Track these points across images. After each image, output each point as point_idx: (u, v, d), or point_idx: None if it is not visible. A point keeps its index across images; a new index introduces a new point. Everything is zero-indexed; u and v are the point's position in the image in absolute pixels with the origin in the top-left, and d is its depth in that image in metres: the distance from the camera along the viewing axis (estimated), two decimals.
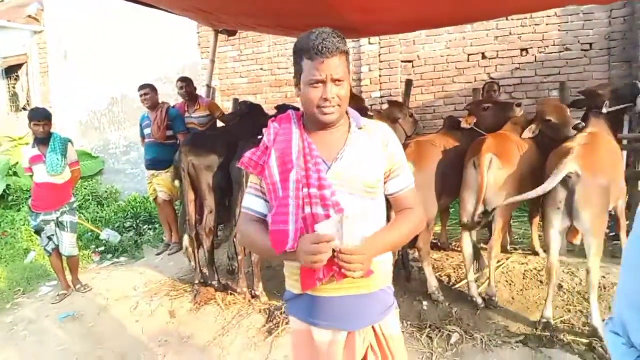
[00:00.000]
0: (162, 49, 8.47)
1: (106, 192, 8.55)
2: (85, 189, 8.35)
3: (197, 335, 3.63)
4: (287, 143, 1.57)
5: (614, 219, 3.79)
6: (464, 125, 4.08)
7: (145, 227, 6.86)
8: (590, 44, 6.36)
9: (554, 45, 6.55)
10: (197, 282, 4.28)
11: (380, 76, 7.27)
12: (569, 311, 3.41)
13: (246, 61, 8.23)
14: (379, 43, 7.26)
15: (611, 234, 4.08)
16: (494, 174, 3.37)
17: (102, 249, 6.12)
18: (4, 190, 8.14)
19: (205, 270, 4.33)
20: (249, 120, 4.73)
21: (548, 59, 6.58)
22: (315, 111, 1.51)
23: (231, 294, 4.09)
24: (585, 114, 3.73)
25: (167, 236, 5.67)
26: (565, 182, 2.99)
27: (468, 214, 3.49)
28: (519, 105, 4.00)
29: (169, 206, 5.60)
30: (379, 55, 7.30)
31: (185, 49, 8.40)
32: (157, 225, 6.90)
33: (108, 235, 6.41)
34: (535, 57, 6.65)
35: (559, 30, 6.50)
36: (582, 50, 6.40)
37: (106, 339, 3.75)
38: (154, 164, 5.45)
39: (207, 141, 4.38)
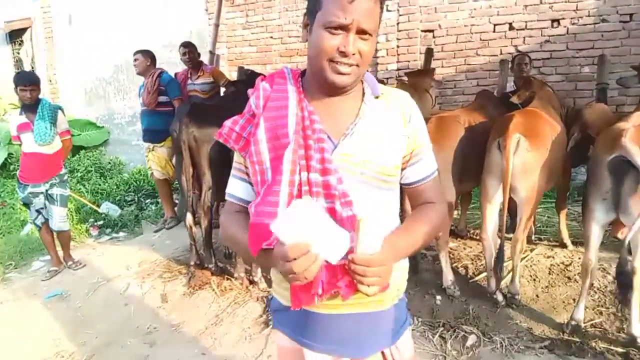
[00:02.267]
0: (167, 14, 8.04)
1: (109, 163, 8.27)
2: (88, 159, 8.08)
3: (189, 323, 3.35)
4: (282, 110, 1.18)
5: None
6: (514, 99, 3.59)
7: (147, 202, 6.60)
8: (631, 15, 5.76)
9: (589, 15, 5.96)
10: (192, 263, 3.99)
11: (397, 47, 6.77)
12: (601, 313, 3.04)
13: (255, 28, 7.77)
14: (398, 10, 6.74)
15: None
16: (521, 157, 2.96)
17: (101, 222, 5.88)
18: (5, 159, 7.91)
19: (202, 252, 4.03)
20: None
21: (581, 31, 6.01)
22: (325, 66, 1.13)
23: (227, 279, 3.79)
24: None
25: (167, 211, 5.39)
26: (615, 168, 2.56)
27: (491, 200, 3.09)
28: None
29: (165, 184, 5.30)
30: (397, 24, 6.79)
31: (192, 13, 7.96)
32: (158, 200, 6.63)
33: (107, 208, 6.17)
34: (568, 28, 6.08)
35: (596, 0, 5.92)
36: (620, 21, 5.82)
37: (92, 322, 3.49)
38: (149, 135, 5.14)
39: (208, 111, 4.02)
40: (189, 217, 3.86)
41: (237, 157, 1.28)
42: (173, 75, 5.23)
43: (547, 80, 5.47)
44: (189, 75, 5.19)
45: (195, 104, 4.10)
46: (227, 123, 1.26)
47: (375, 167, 1.18)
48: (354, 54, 1.11)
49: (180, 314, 3.47)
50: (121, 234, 5.57)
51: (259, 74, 4.77)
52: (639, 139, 2.53)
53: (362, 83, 1.25)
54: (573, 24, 6.03)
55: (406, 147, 1.24)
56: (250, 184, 1.25)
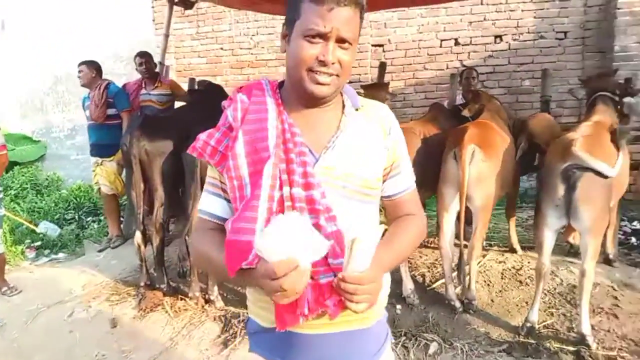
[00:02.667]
0: (112, 23, 7.74)
1: (47, 179, 7.78)
2: (23, 175, 7.56)
3: (141, 348, 3.15)
4: (261, 123, 1.13)
5: None
6: (465, 113, 3.70)
7: (88, 220, 6.24)
8: (565, 33, 6.16)
9: (529, 32, 6.32)
10: (142, 284, 3.79)
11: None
12: (552, 315, 3.15)
13: (204, 39, 7.64)
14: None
15: None
16: (476, 167, 3.04)
17: (39, 243, 5.48)
18: None
19: (153, 271, 3.84)
20: (206, 102, 4.23)
21: (522, 46, 6.35)
22: (304, 76, 1.09)
23: (182, 299, 3.62)
24: (591, 100, 3.39)
25: (111, 229, 5.11)
26: (566, 176, 2.68)
27: (448, 209, 3.15)
28: None
29: (113, 200, 5.03)
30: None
31: (139, 24, 7.71)
32: (101, 218, 6.29)
33: (46, 228, 5.76)
34: (509, 44, 6.41)
35: (534, 17, 6.28)
36: (556, 38, 6.20)
37: (31, 353, 3.21)
38: (98, 150, 4.89)
39: (161, 124, 3.86)
40: (138, 235, 3.66)
41: (211, 172, 1.22)
42: (120, 87, 5.02)
43: (491, 93, 5.71)
44: (144, 86, 5.00)
45: (147, 116, 3.93)
46: (202, 136, 1.19)
47: (358, 181, 1.15)
48: (333, 64, 1.08)
49: (131, 339, 3.27)
50: (61, 255, 5.20)
51: (217, 85, 4.67)
52: (588, 147, 2.66)
53: (342, 95, 1.22)
54: (514, 39, 6.36)
55: (386, 160, 1.22)
56: (226, 200, 1.19)
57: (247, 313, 1.29)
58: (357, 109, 1.21)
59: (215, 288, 3.56)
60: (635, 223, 4.48)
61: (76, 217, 6.28)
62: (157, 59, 5.40)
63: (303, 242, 0.96)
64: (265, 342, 1.22)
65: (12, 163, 7.57)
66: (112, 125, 4.73)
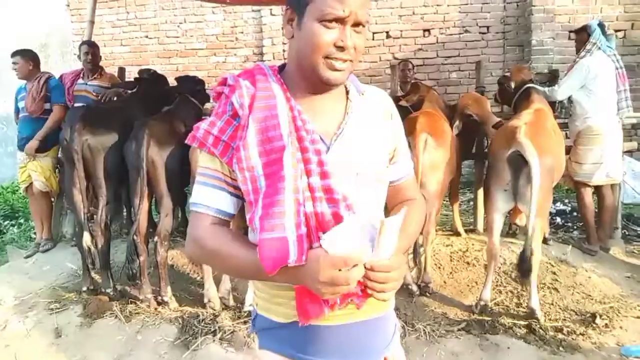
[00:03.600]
0: (21, 9, 7.04)
1: None
2: None
3: (92, 357, 2.94)
4: (270, 110, 1.08)
5: None
6: (402, 102, 3.82)
7: (6, 224, 5.68)
8: (487, 27, 6.57)
9: (455, 26, 6.66)
10: (85, 289, 3.53)
11: (284, 50, 6.81)
12: (500, 292, 3.38)
13: (127, 27, 7.22)
14: (282, 15, 6.76)
15: None
16: (429, 155, 3.17)
17: None
18: None
19: (95, 275, 3.59)
20: (150, 93, 4.02)
21: (449, 40, 6.68)
22: (319, 62, 1.05)
23: (132, 303, 3.41)
24: (524, 91, 3.66)
25: (39, 233, 4.69)
26: (513, 162, 2.87)
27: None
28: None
29: (45, 198, 4.61)
30: (282, 28, 6.81)
31: (52, 9, 7.09)
32: (21, 221, 5.76)
33: None
34: (437, 38, 6.71)
35: (459, 12, 6.62)
36: (480, 32, 6.60)
37: None
38: None
39: (104, 116, 3.57)
40: (86, 236, 3.39)
41: (208, 163, 1.14)
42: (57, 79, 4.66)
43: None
44: (82, 76, 4.62)
45: (88, 107, 3.64)
46: (203, 125, 1.12)
47: (370, 166, 1.15)
48: (350, 49, 1.06)
49: (79, 348, 3.03)
50: None
51: (162, 75, 4.43)
52: (531, 134, 2.87)
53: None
54: (441, 33, 6.67)
55: (391, 145, 1.23)
56: (230, 193, 1.13)
57: (212, 313, 1.26)
58: (362, 93, 1.20)
59: (169, 288, 3.41)
60: (558, 204, 4.93)
61: None
62: (72, 48, 5.03)
63: (364, 241, 0.98)
64: (280, 337, 1.19)
65: None
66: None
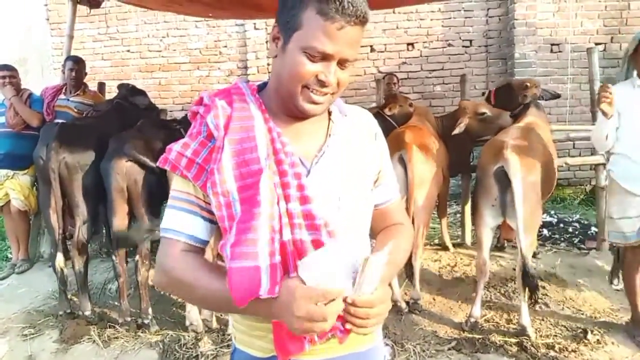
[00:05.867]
0: (1, 23, 6.90)
1: None
2: None
3: None
4: (248, 132, 1.02)
5: None
6: (387, 111, 3.80)
7: None
8: (470, 41, 6.62)
9: (438, 40, 6.70)
10: (62, 313, 3.39)
11: (268, 64, 6.77)
12: (490, 308, 3.32)
13: (108, 41, 7.12)
14: (266, 29, 6.75)
15: None
16: (418, 169, 3.13)
17: None
18: None
19: (72, 297, 3.45)
20: (127, 109, 3.92)
21: (432, 53, 6.71)
22: (297, 91, 1.00)
23: (111, 326, 3.27)
24: (523, 105, 3.61)
25: (15, 254, 4.52)
26: (499, 178, 2.84)
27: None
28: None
29: (23, 217, 4.46)
30: (266, 42, 6.79)
31: (32, 24, 6.96)
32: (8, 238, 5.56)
33: None
34: (421, 51, 6.74)
35: (442, 26, 6.67)
36: (463, 46, 6.65)
37: None
38: (10, 161, 4.30)
39: (80, 133, 3.46)
40: (59, 257, 3.27)
41: (181, 186, 1.07)
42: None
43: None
44: (64, 91, 4.50)
45: (64, 124, 3.51)
46: (175, 147, 1.06)
47: (352, 190, 1.08)
48: (331, 84, 1.01)
49: None
50: None
51: (140, 90, 4.33)
52: (518, 150, 2.84)
53: None
54: (425, 47, 6.70)
55: (375, 167, 1.18)
56: (204, 218, 1.06)
57: (194, 336, 1.17)
58: (344, 116, 1.15)
59: (150, 310, 3.28)
60: (544, 215, 4.92)
61: None
62: (52, 63, 4.91)
63: (346, 271, 0.92)
64: None
65: None
66: (30, 135, 4.20)
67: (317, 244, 0.98)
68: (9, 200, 4.32)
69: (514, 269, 3.58)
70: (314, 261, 0.92)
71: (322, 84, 0.99)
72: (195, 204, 1.06)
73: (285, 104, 1.05)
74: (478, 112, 3.75)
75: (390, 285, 3.29)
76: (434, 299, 3.47)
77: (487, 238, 2.99)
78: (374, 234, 1.26)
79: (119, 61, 7.22)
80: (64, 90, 4.56)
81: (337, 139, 1.10)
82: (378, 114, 3.96)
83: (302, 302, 0.89)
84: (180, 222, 1.06)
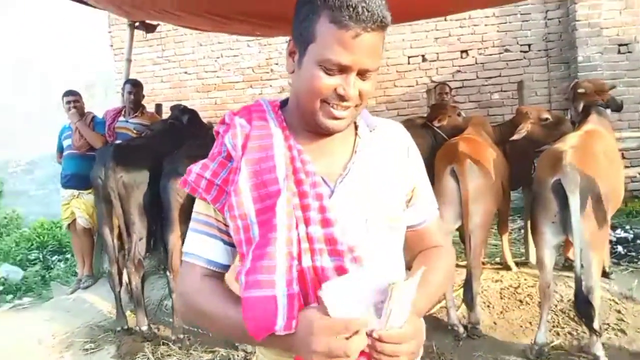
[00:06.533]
0: (69, 52, 7.40)
1: (5, 218, 7.27)
2: None
3: None
4: (266, 151, 0.98)
5: None
6: (435, 123, 3.66)
7: (54, 259, 5.83)
8: (529, 45, 6.31)
9: (494, 46, 6.44)
10: (119, 329, 3.49)
11: None
12: (558, 334, 3.07)
13: (167, 64, 7.42)
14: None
15: None
16: (473, 183, 2.96)
17: (0, 288, 5.05)
18: None
19: (130, 313, 3.55)
20: (180, 128, 4.04)
21: (488, 60, 6.45)
22: (317, 107, 0.94)
23: (164, 343, 3.33)
24: (584, 111, 3.29)
25: (80, 269, 4.75)
26: (558, 191, 2.62)
27: (445, 230, 3.04)
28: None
29: (88, 235, 4.70)
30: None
31: (96, 50, 7.40)
32: (68, 256, 5.89)
33: (6, 271, 5.33)
34: (476, 58, 6.50)
35: (498, 31, 6.40)
36: (521, 51, 6.34)
37: None
38: (76, 181, 4.56)
39: (135, 153, 3.62)
40: (114, 273, 3.39)
41: (202, 209, 1.04)
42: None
43: (462, 107, 5.75)
44: (124, 113, 4.74)
45: (119, 145, 3.68)
46: (195, 168, 1.02)
47: (381, 211, 1.01)
48: (352, 97, 0.94)
49: None
50: (25, 299, 4.80)
51: (191, 110, 4.45)
52: (578, 160, 2.62)
53: None
54: (480, 54, 6.45)
55: (408, 185, 1.09)
56: (224, 241, 1.02)
57: (243, 356, 1.11)
58: (371, 130, 1.07)
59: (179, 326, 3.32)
60: (619, 231, 4.52)
61: (40, 257, 5.86)
62: (116, 87, 5.17)
63: (372, 301, 0.83)
64: None
65: None
66: (93, 157, 4.45)
67: (341, 271, 0.91)
68: (75, 219, 4.55)
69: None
70: (336, 288, 0.83)
71: (342, 98, 0.93)
72: (215, 227, 1.02)
73: (306, 121, 0.99)
74: (542, 118, 3.52)
75: (447, 309, 3.14)
76: (494, 323, 3.26)
77: (549, 258, 2.76)
78: (409, 258, 1.17)
79: (177, 83, 7.50)
80: (123, 112, 4.77)
81: (363, 156, 1.03)
82: (427, 126, 3.82)
83: (322, 335, 0.81)
84: (200, 245, 1.03)
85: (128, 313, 3.61)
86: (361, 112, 1.02)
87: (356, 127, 1.06)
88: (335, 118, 0.95)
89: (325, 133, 0.99)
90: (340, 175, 0.99)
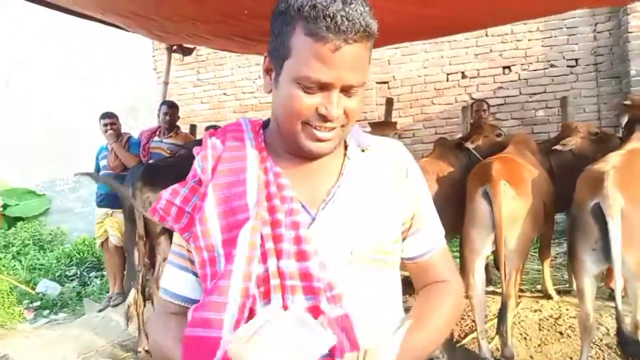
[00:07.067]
0: (113, 75, 7.71)
1: (50, 234, 7.56)
2: (26, 231, 7.35)
3: None
4: (238, 174, 0.88)
5: None
6: (468, 145, 3.46)
7: (91, 275, 5.96)
8: (576, 60, 5.97)
9: (538, 61, 6.14)
10: (140, 349, 3.46)
11: None
12: None
13: (206, 85, 7.58)
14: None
15: None
16: (508, 205, 2.74)
17: (38, 303, 5.20)
18: None
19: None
20: None
21: (532, 76, 6.15)
22: (297, 130, 0.84)
23: None
24: (628, 127, 3.05)
25: (112, 287, 4.83)
26: (598, 215, 2.37)
27: (477, 254, 2.83)
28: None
29: (120, 253, 4.79)
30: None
31: (140, 73, 7.68)
32: (104, 272, 6.01)
33: (45, 287, 5.50)
34: (519, 74, 6.22)
35: (542, 46, 6.11)
36: (567, 66, 6.01)
37: None
38: (109, 200, 4.71)
39: (163, 173, 3.64)
40: (133, 293, 3.38)
41: (177, 239, 0.95)
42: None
43: (503, 125, 5.49)
44: (159, 133, 4.86)
45: (148, 165, 3.73)
46: (165, 194, 0.94)
47: (369, 244, 0.88)
48: (338, 117, 0.83)
49: None
50: (61, 315, 4.93)
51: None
52: (620, 182, 2.36)
53: None
54: (524, 69, 6.17)
55: (405, 212, 0.95)
56: (195, 274, 0.91)
57: None
58: (363, 150, 0.95)
59: None
60: None
61: (78, 273, 6.02)
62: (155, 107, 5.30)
63: (297, 346, 0.69)
64: None
65: (16, 218, 7.44)
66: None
67: (316, 311, 0.78)
68: (107, 237, 4.64)
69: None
70: (253, 329, 0.70)
71: (325, 118, 0.82)
72: (187, 259, 0.92)
73: (288, 143, 0.89)
74: (591, 132, 3.26)
75: (478, 341, 2.89)
76: (531, 357, 2.99)
77: (590, 288, 2.48)
78: (415, 291, 1.03)
79: (217, 104, 7.64)
80: (158, 133, 4.87)
81: (352, 179, 0.90)
82: (462, 145, 3.62)
83: None
84: (172, 280, 0.95)
85: None
86: (350, 130, 0.91)
87: (346, 147, 0.94)
88: (320, 140, 0.85)
89: (309, 157, 0.88)
90: (324, 201, 0.87)
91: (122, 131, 4.93)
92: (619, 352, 2.80)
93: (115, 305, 4.56)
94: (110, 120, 4.72)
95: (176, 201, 0.92)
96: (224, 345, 0.74)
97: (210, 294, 0.79)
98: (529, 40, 6.13)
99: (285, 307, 0.79)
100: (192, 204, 0.90)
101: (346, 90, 0.82)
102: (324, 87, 0.81)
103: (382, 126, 4.05)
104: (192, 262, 0.91)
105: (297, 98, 0.81)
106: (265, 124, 0.98)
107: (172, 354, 0.84)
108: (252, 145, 0.91)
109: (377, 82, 6.67)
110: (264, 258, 0.81)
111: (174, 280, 0.94)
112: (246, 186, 0.86)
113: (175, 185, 0.94)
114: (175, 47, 5.16)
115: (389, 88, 6.65)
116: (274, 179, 0.87)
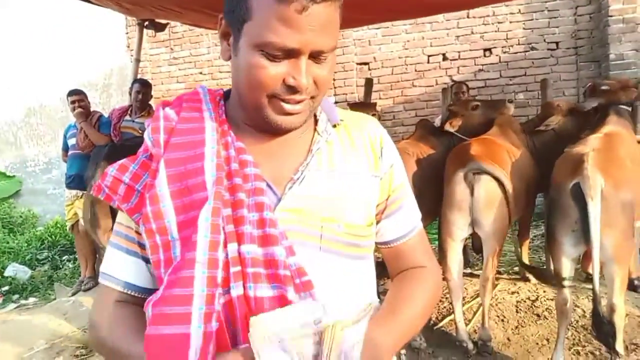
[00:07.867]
0: (84, 51, 7.42)
1: (21, 216, 7.33)
2: None
3: None
4: (195, 148, 0.79)
5: None
6: (447, 127, 3.40)
7: (63, 259, 5.79)
8: (557, 43, 5.96)
9: (519, 44, 6.11)
10: None
11: (334, 80, 6.58)
12: (578, 353, 2.78)
13: (182, 64, 7.36)
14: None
15: None
16: (484, 188, 2.70)
17: (7, 288, 5.03)
18: None
19: None
20: None
21: (513, 59, 6.13)
22: (263, 103, 0.76)
23: None
24: (601, 111, 2.97)
25: (83, 271, 4.68)
26: (578, 196, 2.34)
27: (455, 237, 2.79)
28: (510, 101, 3.40)
29: (90, 237, 4.63)
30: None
31: (112, 50, 7.40)
32: (77, 256, 5.86)
33: (15, 270, 5.32)
34: (500, 57, 6.18)
35: (523, 29, 6.07)
36: (548, 49, 5.99)
37: None
38: (79, 182, 4.51)
39: (128, 153, 3.47)
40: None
41: (123, 219, 0.85)
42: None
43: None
44: (130, 113, 4.67)
45: (113, 145, 3.57)
46: (111, 170, 0.84)
47: (340, 226, 0.80)
48: (307, 87, 0.74)
49: None
50: (31, 300, 4.77)
51: None
52: (600, 163, 2.33)
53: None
54: (504, 52, 6.14)
55: (380, 192, 0.88)
56: (146, 260, 0.82)
57: None
58: (335, 125, 0.87)
59: None
60: None
61: (50, 256, 5.84)
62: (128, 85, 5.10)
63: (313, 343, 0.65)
64: None
65: None
66: None
67: (282, 301, 0.71)
68: (78, 220, 4.48)
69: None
70: (270, 323, 0.64)
71: (293, 89, 0.73)
72: (136, 243, 0.83)
73: (251, 117, 0.80)
74: (573, 109, 3.22)
75: (455, 324, 2.87)
76: (508, 340, 2.98)
77: (568, 270, 2.46)
78: (390, 277, 0.97)
79: (192, 83, 7.41)
80: (129, 112, 4.69)
81: (322, 157, 0.83)
82: (443, 129, 3.56)
83: None
84: (116, 265, 0.84)
85: None
86: (320, 102, 0.82)
87: (316, 122, 0.86)
88: (288, 113, 0.76)
89: (277, 132, 0.79)
90: (291, 180, 0.79)
91: (94, 110, 4.73)
92: (594, 334, 2.83)
93: (87, 290, 4.43)
94: (77, 97, 4.51)
95: (124, 178, 0.82)
96: (196, 346, 0.67)
97: (171, 287, 0.70)
98: (510, 22, 6.09)
99: (246, 297, 0.72)
100: (143, 182, 0.81)
101: (315, 56, 0.74)
102: (290, 53, 0.72)
103: (362, 107, 3.96)
104: (141, 246, 0.82)
105: (260, 68, 0.73)
106: (226, 95, 0.89)
107: (127, 350, 0.76)
108: (210, 117, 0.82)
109: (357, 63, 6.56)
110: (225, 243, 0.73)
111: (119, 265, 0.84)
112: (204, 162, 0.77)
113: (124, 160, 0.85)
114: (147, 23, 4.94)
115: (369, 69, 6.55)
116: (235, 155, 0.78)
